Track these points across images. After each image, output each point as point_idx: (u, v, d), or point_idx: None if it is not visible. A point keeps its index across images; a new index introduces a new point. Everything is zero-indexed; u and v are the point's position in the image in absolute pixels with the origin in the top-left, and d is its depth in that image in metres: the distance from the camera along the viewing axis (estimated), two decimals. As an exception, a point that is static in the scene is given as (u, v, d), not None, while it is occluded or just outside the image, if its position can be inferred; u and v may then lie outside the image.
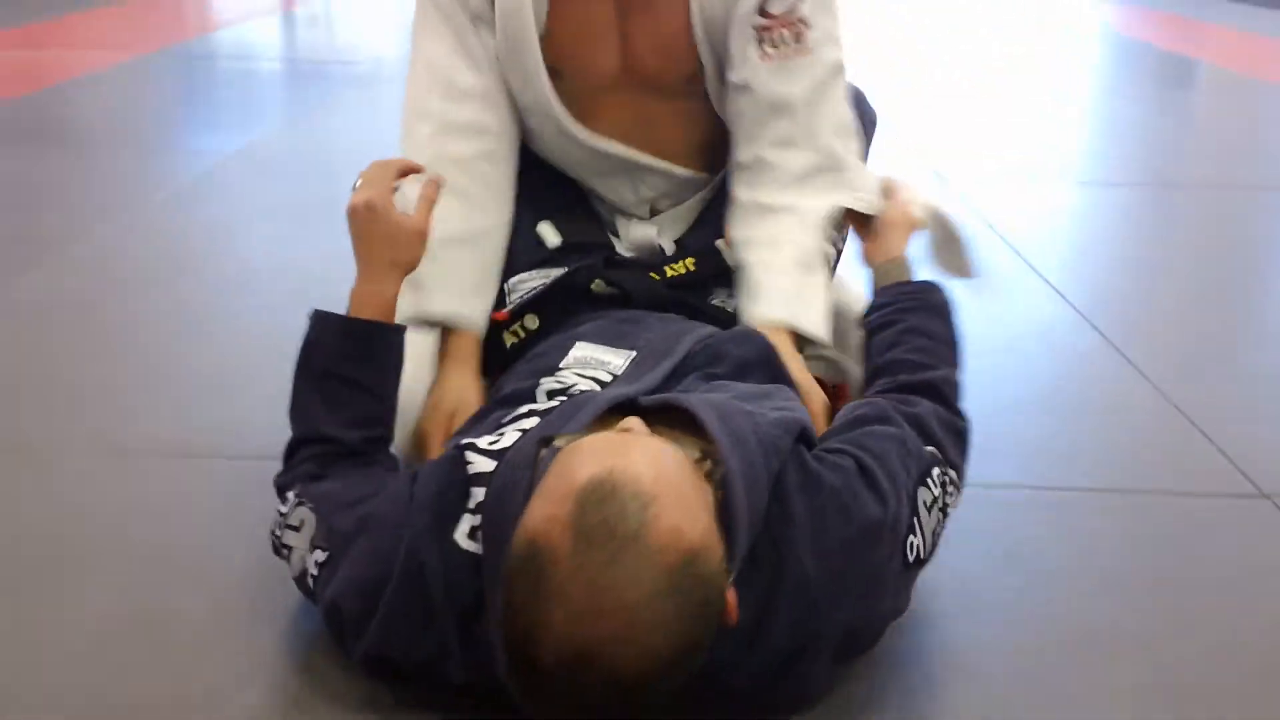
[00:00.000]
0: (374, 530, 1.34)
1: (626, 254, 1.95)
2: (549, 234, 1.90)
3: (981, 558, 1.75)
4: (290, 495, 1.46)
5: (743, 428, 1.30)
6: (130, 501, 1.92)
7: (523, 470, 1.24)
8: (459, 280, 1.81)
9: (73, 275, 2.99)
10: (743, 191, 1.85)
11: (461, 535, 1.27)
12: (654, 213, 1.99)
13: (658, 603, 1.02)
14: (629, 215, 1.99)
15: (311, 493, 1.44)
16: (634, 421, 1.23)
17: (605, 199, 1.99)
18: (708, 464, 1.22)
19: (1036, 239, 3.49)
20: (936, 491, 1.42)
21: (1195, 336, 2.84)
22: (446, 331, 1.80)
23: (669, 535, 1.04)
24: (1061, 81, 6.86)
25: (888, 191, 1.92)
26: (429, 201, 1.64)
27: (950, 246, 1.99)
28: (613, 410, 1.35)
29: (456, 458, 1.34)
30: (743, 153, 1.84)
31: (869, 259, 1.85)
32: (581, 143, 1.87)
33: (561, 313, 1.78)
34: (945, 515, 1.45)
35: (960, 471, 1.52)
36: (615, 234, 1.99)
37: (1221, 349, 2.78)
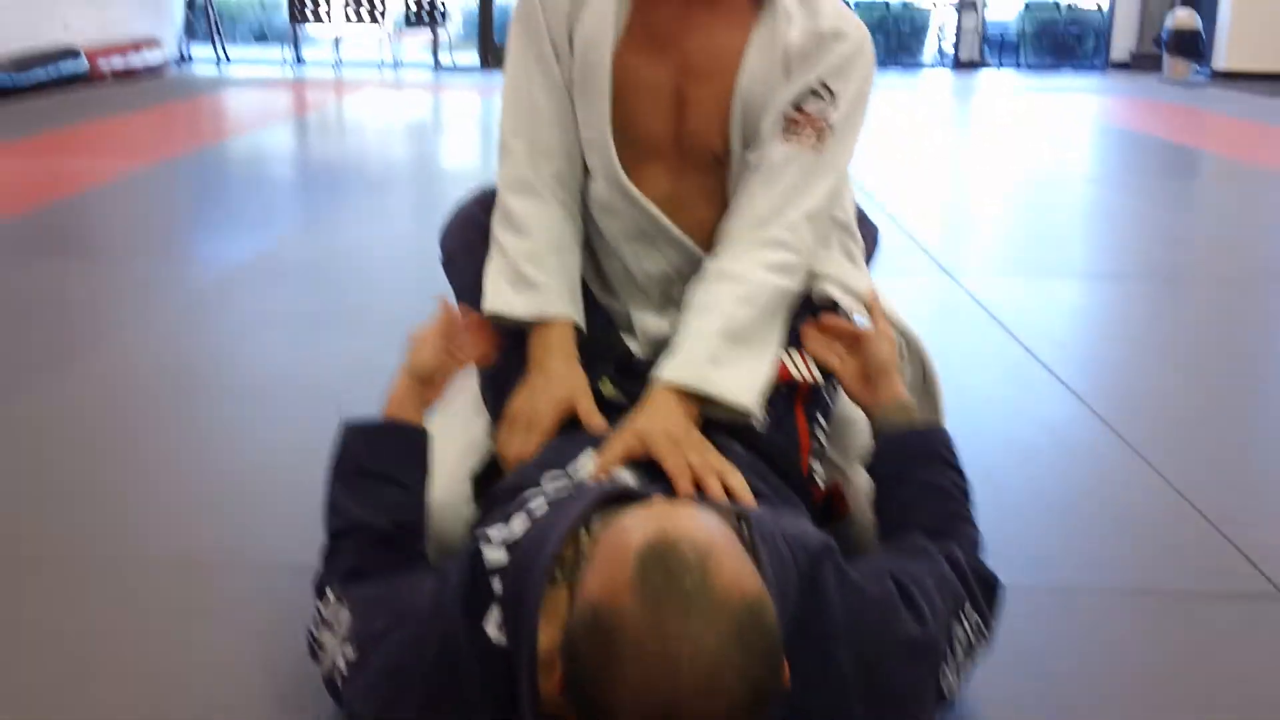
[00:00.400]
0: (404, 626, 1.35)
1: (641, 355, 1.95)
2: None
3: (997, 660, 1.73)
4: (329, 593, 1.49)
5: (765, 518, 1.32)
6: (142, 611, 1.91)
7: (539, 557, 1.26)
8: (569, 282, 1.90)
9: (86, 386, 3.00)
10: (708, 260, 1.86)
11: (492, 627, 1.28)
12: (666, 301, 1.99)
13: (731, 650, 1.04)
14: (643, 305, 1.99)
15: (351, 593, 1.46)
16: (663, 498, 1.29)
17: (628, 268, 1.98)
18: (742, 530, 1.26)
19: (1046, 334, 3.50)
20: (968, 629, 1.42)
21: (1209, 432, 2.83)
22: (542, 329, 1.85)
23: (732, 584, 1.07)
24: (1063, 174, 6.91)
25: (872, 310, 1.90)
26: (442, 315, 1.83)
27: (927, 389, 1.98)
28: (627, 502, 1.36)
29: (474, 551, 1.35)
30: (723, 224, 1.86)
31: (863, 400, 1.82)
32: (626, 191, 1.88)
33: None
34: (972, 661, 1.45)
35: (988, 621, 1.50)
36: (630, 329, 1.99)
37: (1237, 445, 2.76)
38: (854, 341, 1.83)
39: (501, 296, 1.85)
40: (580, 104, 1.87)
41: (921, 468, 1.67)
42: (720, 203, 1.89)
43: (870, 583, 1.34)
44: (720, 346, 1.72)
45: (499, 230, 1.89)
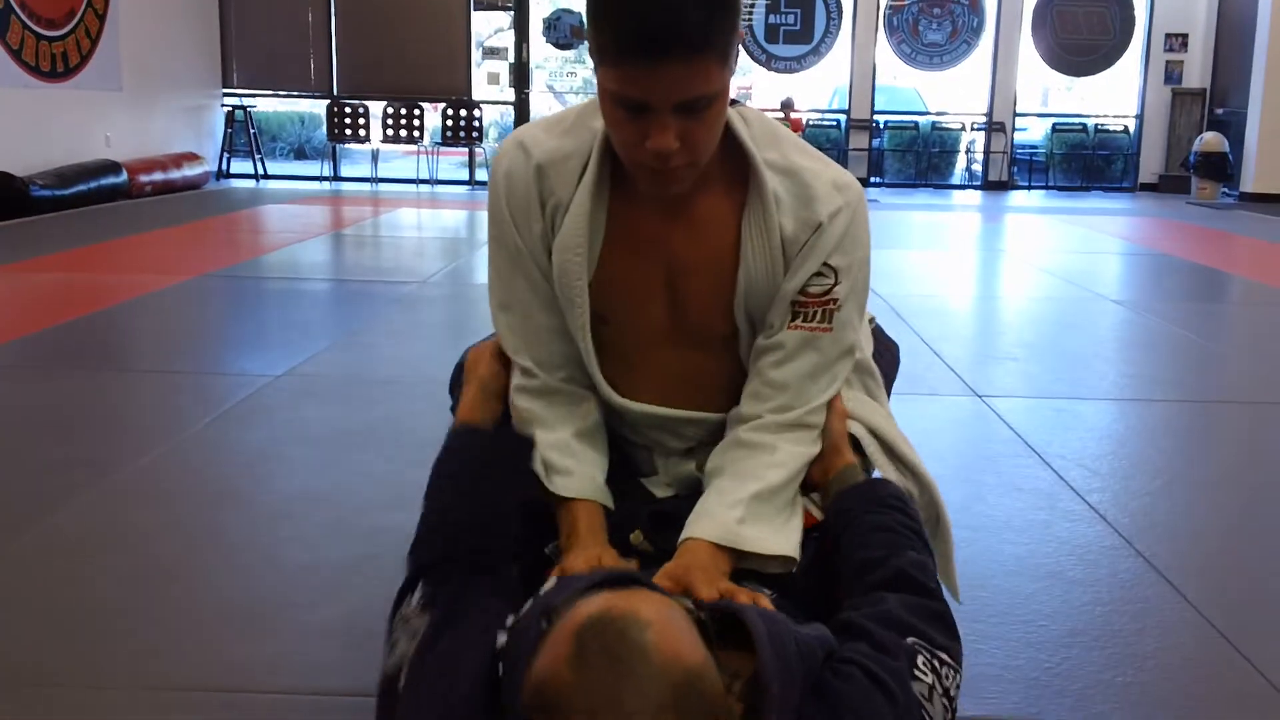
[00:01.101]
0: (440, 688, 1.39)
1: (666, 493, 1.95)
2: None
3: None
4: (419, 593, 1.56)
5: (783, 634, 1.34)
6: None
7: (524, 638, 1.29)
8: (598, 465, 1.89)
9: (115, 503, 3.02)
10: (729, 433, 1.86)
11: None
12: (691, 444, 1.99)
13: (667, 717, 1.06)
14: (668, 449, 2.00)
15: (435, 606, 1.52)
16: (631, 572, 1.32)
17: (639, 444, 2.00)
18: (736, 685, 1.24)
19: (1075, 457, 3.49)
20: (929, 679, 1.43)
21: (1240, 561, 2.80)
22: (572, 504, 1.84)
23: (670, 655, 1.10)
24: (1092, 296, 6.92)
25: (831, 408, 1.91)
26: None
27: (939, 535, 1.94)
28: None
29: (494, 640, 1.40)
30: (742, 405, 1.86)
31: (815, 477, 1.85)
32: (617, 404, 1.89)
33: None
34: (951, 700, 1.45)
35: (953, 650, 1.50)
36: (654, 470, 1.99)
37: (1270, 574, 2.73)
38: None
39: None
40: (562, 303, 1.85)
41: (869, 513, 1.71)
42: (734, 368, 1.89)
43: (842, 682, 1.37)
44: (753, 507, 1.74)
45: (523, 426, 1.87)
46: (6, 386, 4.30)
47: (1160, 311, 6.39)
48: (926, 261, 8.23)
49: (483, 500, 1.69)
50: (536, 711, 1.11)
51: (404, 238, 9.62)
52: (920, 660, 1.44)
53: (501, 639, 1.37)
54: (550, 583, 1.48)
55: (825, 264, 1.75)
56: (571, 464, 1.83)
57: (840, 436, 1.85)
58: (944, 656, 1.48)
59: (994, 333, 6.02)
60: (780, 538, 1.73)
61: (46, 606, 2.42)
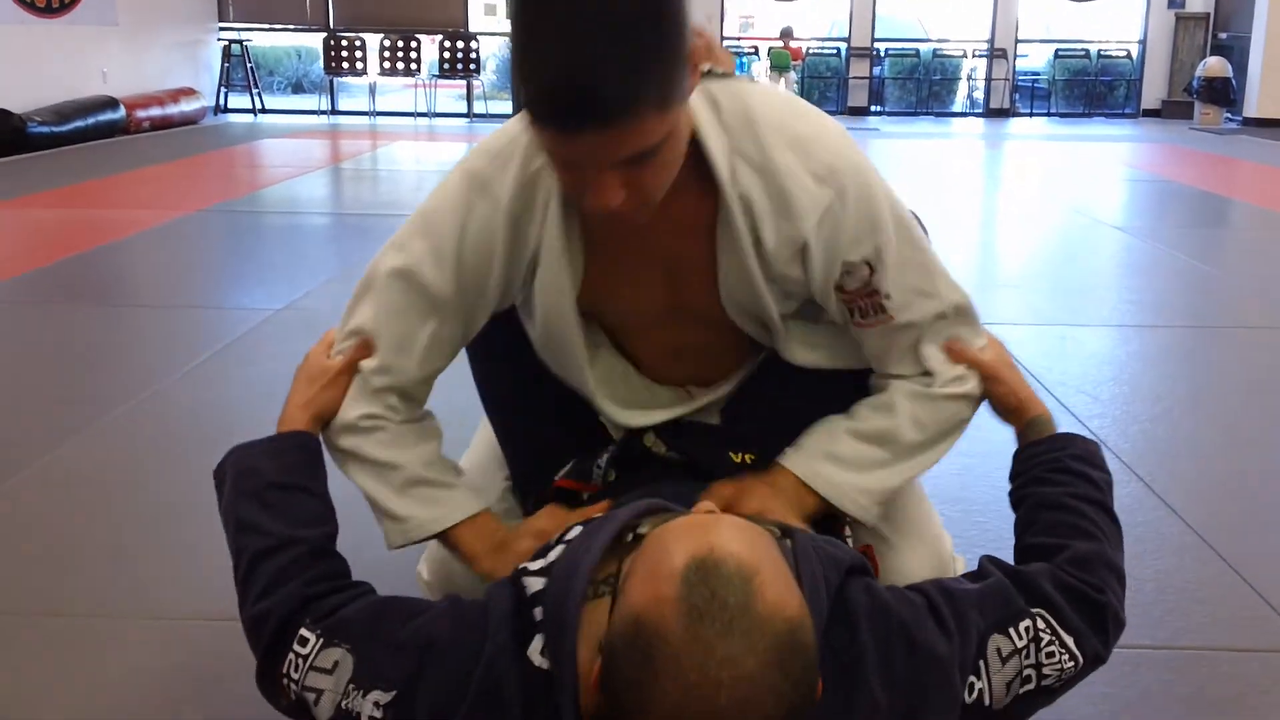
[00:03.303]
0: (445, 659, 1.30)
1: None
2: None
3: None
4: (308, 634, 1.36)
5: (803, 536, 1.33)
6: (175, 666, 1.93)
7: (576, 577, 1.26)
8: (457, 475, 1.70)
9: (117, 438, 3.03)
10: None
11: (535, 653, 1.27)
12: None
13: (770, 672, 1.05)
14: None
15: (338, 629, 1.35)
16: (710, 505, 1.26)
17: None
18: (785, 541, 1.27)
19: (1076, 385, 3.49)
20: (1021, 643, 1.36)
21: (1236, 483, 2.81)
22: (458, 530, 1.64)
23: (775, 605, 1.07)
24: (1094, 222, 6.89)
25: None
26: (352, 354, 1.67)
27: None
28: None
29: (516, 579, 1.34)
30: (873, 379, 1.72)
31: (1009, 419, 1.70)
32: (620, 424, 1.76)
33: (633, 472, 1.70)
34: (1040, 673, 1.37)
35: (1082, 635, 1.39)
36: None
37: (1268, 497, 2.74)
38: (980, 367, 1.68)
39: (406, 528, 1.60)
40: (554, 364, 1.68)
41: (1045, 484, 1.58)
42: (739, 339, 1.72)
43: (900, 604, 1.33)
44: (845, 445, 1.63)
45: (359, 476, 1.63)
46: (6, 323, 4.30)
47: (1163, 237, 6.37)
48: (927, 190, 8.19)
49: (309, 514, 1.51)
50: (631, 649, 1.07)
51: (402, 171, 9.57)
52: (1024, 625, 1.36)
53: (537, 582, 1.30)
54: (575, 529, 1.39)
55: (846, 262, 1.54)
56: (452, 479, 1.65)
57: (1014, 389, 1.65)
58: (1064, 638, 1.38)
59: (995, 260, 6.00)
60: (856, 493, 1.61)
61: (48, 539, 2.43)
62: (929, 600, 1.35)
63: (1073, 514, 1.52)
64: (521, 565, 1.37)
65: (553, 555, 1.36)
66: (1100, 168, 9.87)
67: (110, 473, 2.81)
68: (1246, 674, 1.93)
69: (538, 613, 1.29)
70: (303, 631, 1.37)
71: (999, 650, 1.35)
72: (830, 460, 1.61)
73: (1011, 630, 1.37)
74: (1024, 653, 1.36)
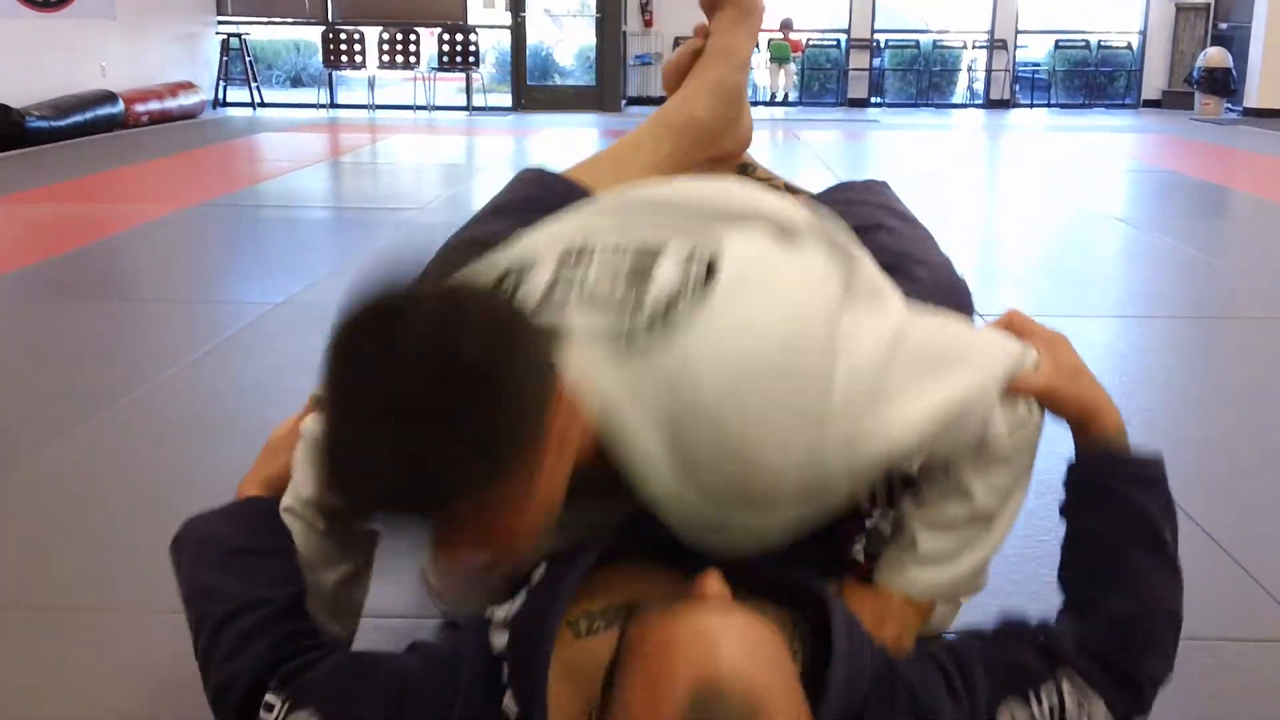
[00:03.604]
0: (415, 712, 1.27)
1: None
2: None
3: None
4: (273, 699, 1.30)
5: (856, 628, 1.27)
6: (174, 659, 1.92)
7: (542, 633, 1.21)
8: None
9: (115, 432, 3.03)
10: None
11: (509, 706, 1.23)
12: None
13: None
14: None
15: (304, 691, 1.29)
16: (715, 584, 1.15)
17: None
18: (795, 645, 1.21)
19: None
20: (1039, 710, 1.27)
21: (1237, 473, 2.80)
22: None
23: None
24: (1095, 213, 6.88)
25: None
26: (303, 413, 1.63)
27: None
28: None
29: (480, 631, 1.29)
30: None
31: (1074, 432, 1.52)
32: None
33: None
34: None
35: (1113, 699, 1.31)
36: None
37: (1270, 488, 2.74)
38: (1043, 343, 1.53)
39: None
40: None
41: (1088, 509, 1.45)
42: None
43: (920, 684, 1.28)
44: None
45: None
46: (4, 318, 4.29)
47: (1163, 228, 6.35)
48: (928, 182, 8.17)
49: (275, 576, 1.43)
50: None
51: (402, 164, 9.56)
52: (1043, 689, 1.29)
53: (500, 640, 1.26)
54: (540, 569, 1.31)
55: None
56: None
57: (1077, 403, 1.50)
58: (1094, 701, 1.30)
59: (995, 251, 5.99)
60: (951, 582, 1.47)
61: (48, 533, 2.43)
62: (944, 672, 1.30)
63: (1114, 560, 1.40)
64: (487, 614, 1.31)
65: (518, 603, 1.30)
66: (1100, 159, 9.85)
67: (109, 466, 2.80)
68: (1247, 664, 1.93)
69: (504, 670, 1.25)
70: (268, 697, 1.30)
71: (1013, 717, 1.29)
72: (918, 565, 1.46)
73: (1031, 695, 1.29)
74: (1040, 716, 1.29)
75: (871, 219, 1.77)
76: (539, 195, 1.75)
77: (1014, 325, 1.52)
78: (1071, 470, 1.48)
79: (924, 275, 1.69)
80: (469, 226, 1.80)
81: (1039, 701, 1.28)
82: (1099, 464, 1.45)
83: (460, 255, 1.61)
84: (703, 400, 1.20)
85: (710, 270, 1.28)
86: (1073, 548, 1.45)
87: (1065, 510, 1.48)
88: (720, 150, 1.90)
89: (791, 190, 1.90)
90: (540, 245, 1.44)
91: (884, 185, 1.93)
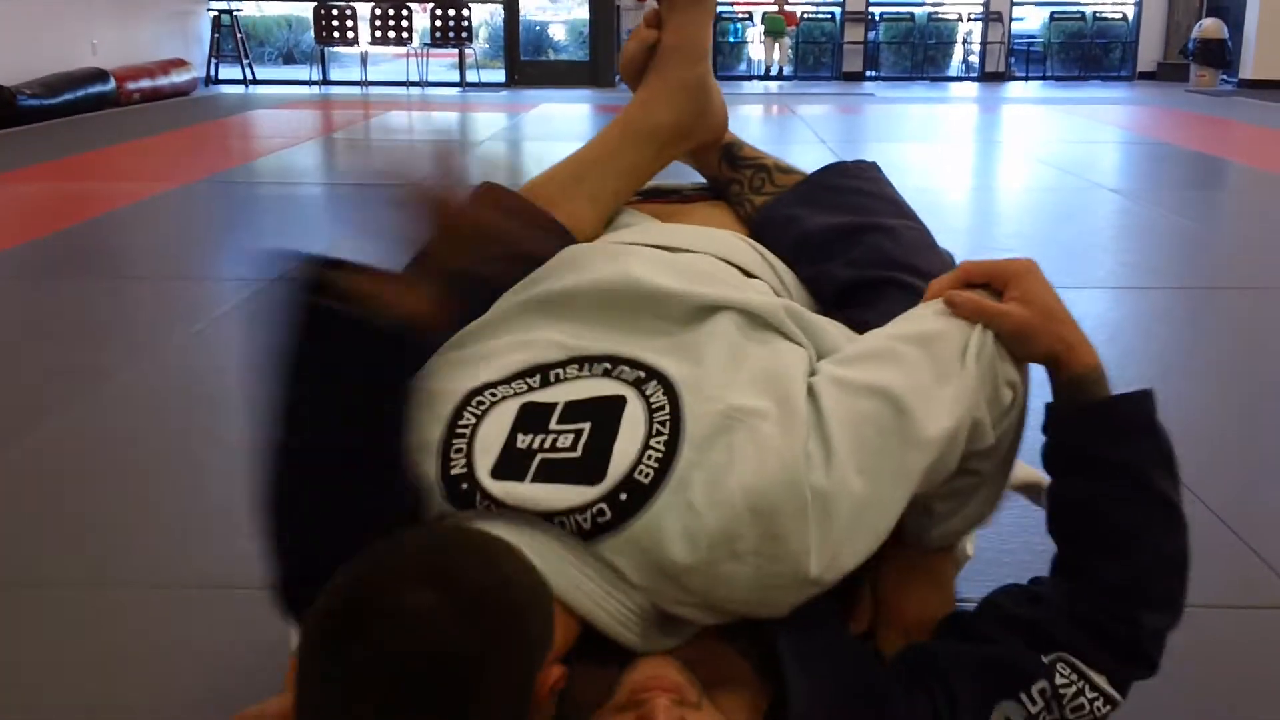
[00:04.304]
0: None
1: None
2: None
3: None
4: None
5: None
6: (175, 634, 1.93)
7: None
8: None
9: (111, 408, 3.03)
10: None
11: None
12: None
13: None
14: None
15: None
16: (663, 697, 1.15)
17: None
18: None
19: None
20: (1036, 708, 1.24)
21: (1232, 443, 2.81)
22: None
23: None
24: (1089, 185, 6.88)
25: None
26: None
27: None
28: None
29: None
30: None
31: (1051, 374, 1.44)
32: None
33: None
34: None
35: (1115, 671, 1.28)
36: None
37: (1264, 457, 2.75)
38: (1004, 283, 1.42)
39: None
40: None
41: (1070, 470, 1.39)
42: None
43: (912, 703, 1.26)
44: None
45: None
46: (0, 296, 4.29)
47: (1158, 200, 6.35)
48: (922, 155, 8.16)
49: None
50: None
51: (396, 140, 9.53)
52: (1036, 688, 1.25)
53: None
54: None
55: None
56: None
57: (1049, 342, 1.40)
58: (1095, 678, 1.26)
59: (990, 224, 5.99)
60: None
61: (45, 510, 2.43)
62: (927, 690, 1.26)
63: (1099, 524, 1.35)
64: None
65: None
66: (1095, 131, 9.84)
67: (105, 443, 2.80)
68: (1242, 631, 1.94)
69: None
70: None
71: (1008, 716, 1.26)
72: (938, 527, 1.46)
73: (1023, 695, 1.25)
74: (1040, 717, 1.26)
75: (870, 214, 1.71)
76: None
77: (958, 303, 1.38)
78: (1048, 422, 1.41)
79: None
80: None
81: (1032, 701, 1.25)
82: (1073, 422, 1.39)
83: None
84: (678, 565, 1.19)
85: (673, 435, 1.24)
86: (1056, 509, 1.40)
87: (1046, 461, 1.42)
88: (695, 143, 1.85)
89: (782, 170, 1.86)
90: (497, 355, 1.40)
91: (875, 167, 1.87)
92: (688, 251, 1.57)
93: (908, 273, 1.60)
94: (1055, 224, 5.85)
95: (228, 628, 1.95)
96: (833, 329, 1.44)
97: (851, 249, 1.64)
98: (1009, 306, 1.37)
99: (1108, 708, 1.26)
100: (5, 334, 3.81)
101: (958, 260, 1.66)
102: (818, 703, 1.19)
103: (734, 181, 1.86)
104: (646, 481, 1.21)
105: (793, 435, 1.24)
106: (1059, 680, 1.25)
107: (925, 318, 1.38)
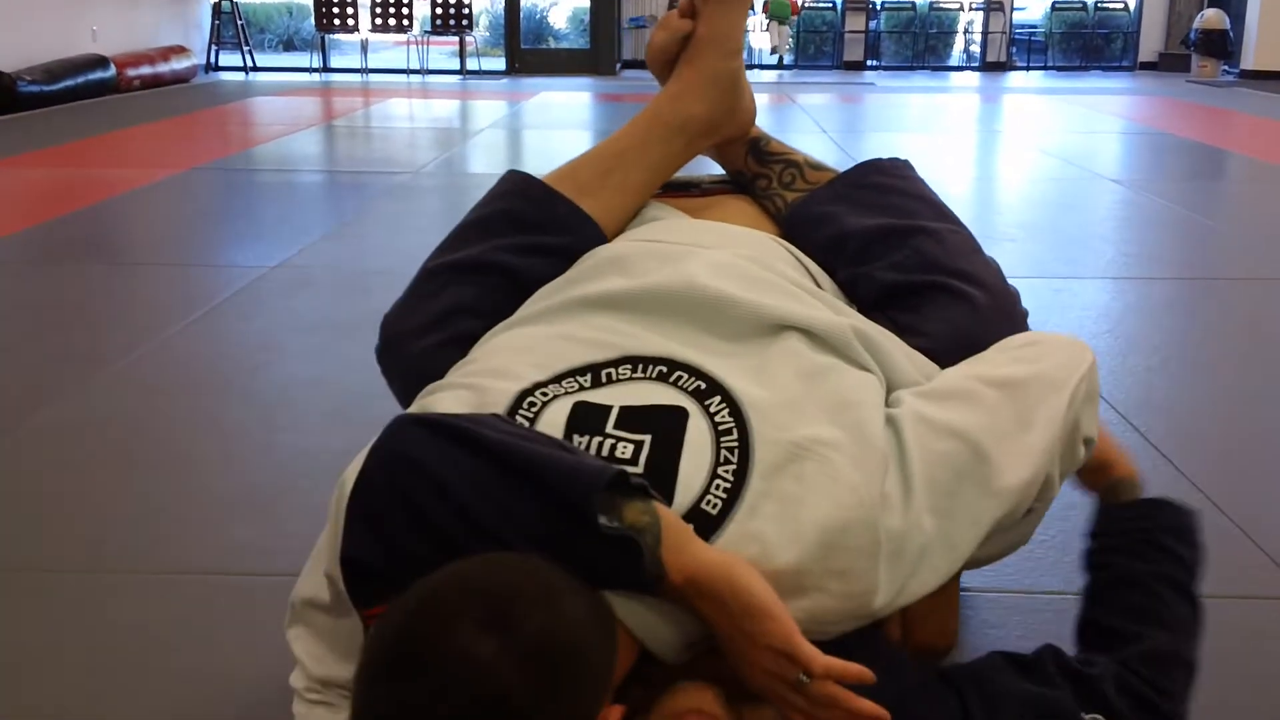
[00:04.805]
0: None
1: None
2: None
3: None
4: None
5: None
6: (167, 620, 1.93)
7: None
8: None
9: (111, 394, 3.02)
10: None
11: None
12: None
13: None
14: None
15: None
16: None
17: None
18: None
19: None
20: None
21: (1233, 433, 2.81)
22: None
23: None
24: (1090, 175, 6.87)
25: None
26: None
27: None
28: None
29: None
30: None
31: (1090, 479, 1.57)
32: None
33: None
34: None
35: None
36: None
37: (1264, 447, 2.74)
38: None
39: None
40: None
41: (1126, 554, 1.45)
42: None
43: (929, 701, 1.26)
44: None
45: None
46: (0, 282, 4.29)
47: (1160, 190, 6.34)
48: (924, 144, 8.15)
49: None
50: None
51: (395, 128, 9.51)
52: None
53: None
54: None
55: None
56: None
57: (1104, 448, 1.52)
58: None
59: (992, 213, 5.98)
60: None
61: (44, 495, 2.43)
62: (963, 703, 1.25)
63: (1155, 599, 1.38)
64: None
65: None
66: (1097, 121, 9.82)
67: (105, 429, 2.80)
68: (1242, 621, 1.93)
69: None
70: None
71: None
72: None
73: None
74: None
75: (910, 215, 1.70)
76: (522, 212, 1.69)
77: None
78: (1109, 513, 1.49)
79: (982, 300, 1.60)
80: (449, 245, 1.72)
81: None
82: (1141, 510, 1.47)
83: (442, 289, 1.63)
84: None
85: (741, 464, 1.22)
86: (1112, 591, 1.42)
87: (1101, 552, 1.47)
88: (723, 137, 1.83)
89: (813, 165, 1.83)
90: (544, 351, 1.38)
91: (909, 165, 1.83)
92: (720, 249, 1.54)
93: (955, 278, 1.60)
94: (1057, 214, 5.84)
95: (224, 614, 1.95)
96: (899, 354, 1.43)
97: (894, 252, 1.63)
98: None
99: None
100: (4, 320, 3.80)
101: (1002, 266, 1.67)
102: None
103: (761, 176, 1.83)
104: (714, 513, 1.19)
105: (867, 469, 1.22)
106: None
107: (1016, 360, 1.39)
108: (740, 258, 1.49)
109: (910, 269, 1.60)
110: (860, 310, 1.58)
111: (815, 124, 9.33)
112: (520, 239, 1.62)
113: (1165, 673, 1.31)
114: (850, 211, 1.70)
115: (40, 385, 3.07)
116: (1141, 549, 1.43)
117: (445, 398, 1.33)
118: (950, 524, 1.23)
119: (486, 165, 7.45)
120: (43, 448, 2.69)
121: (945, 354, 1.49)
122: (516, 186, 1.73)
